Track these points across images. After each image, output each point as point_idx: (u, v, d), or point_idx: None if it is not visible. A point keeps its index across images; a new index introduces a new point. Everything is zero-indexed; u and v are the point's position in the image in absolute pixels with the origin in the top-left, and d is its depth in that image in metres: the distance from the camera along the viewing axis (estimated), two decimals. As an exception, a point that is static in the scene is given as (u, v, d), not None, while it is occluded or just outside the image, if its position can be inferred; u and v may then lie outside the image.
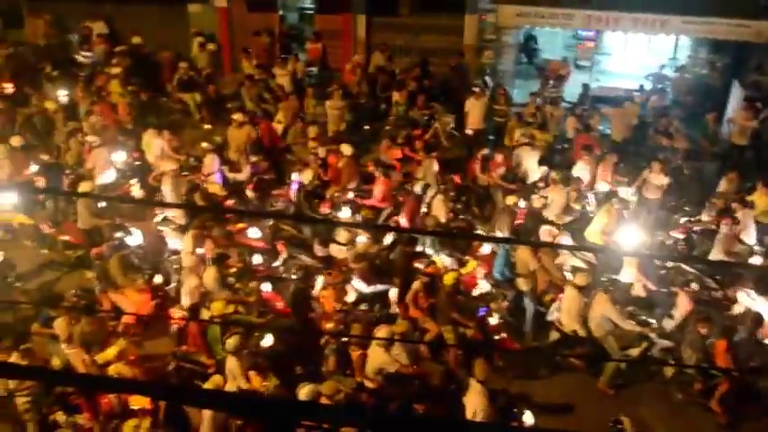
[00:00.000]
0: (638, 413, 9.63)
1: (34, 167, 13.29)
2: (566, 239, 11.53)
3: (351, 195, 12.97)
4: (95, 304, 10.86)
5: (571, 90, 17.76)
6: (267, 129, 14.68)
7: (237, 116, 14.23)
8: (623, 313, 10.18)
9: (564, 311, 10.24)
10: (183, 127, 15.75)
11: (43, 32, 19.14)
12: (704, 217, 12.59)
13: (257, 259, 11.65)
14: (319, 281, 10.94)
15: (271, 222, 12.29)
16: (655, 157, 13.77)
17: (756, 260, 11.66)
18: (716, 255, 11.41)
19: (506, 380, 9.98)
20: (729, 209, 12.01)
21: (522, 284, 10.88)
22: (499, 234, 11.75)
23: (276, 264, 11.84)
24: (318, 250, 11.98)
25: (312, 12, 20.02)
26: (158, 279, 11.20)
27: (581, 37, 20.24)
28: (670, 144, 14.72)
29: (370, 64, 17.67)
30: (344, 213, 12.32)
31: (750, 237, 11.98)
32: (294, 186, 12.75)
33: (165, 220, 12.19)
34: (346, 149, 13.47)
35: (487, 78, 17.76)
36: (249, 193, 13.15)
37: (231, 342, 9.32)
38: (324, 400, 8.71)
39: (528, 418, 9.08)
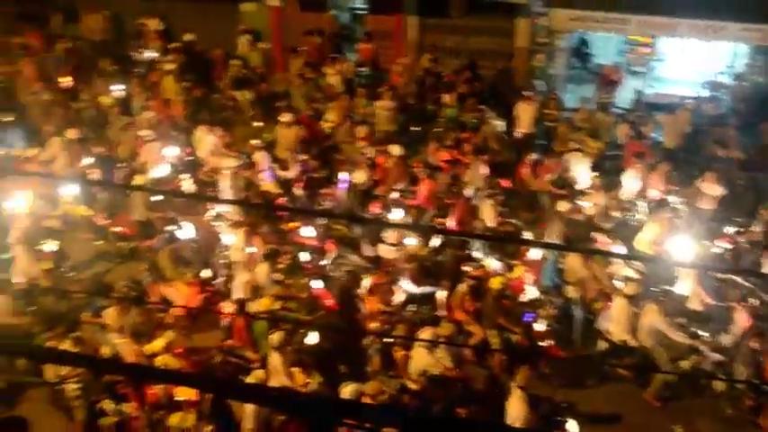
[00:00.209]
0: (686, 427, 9.43)
1: (88, 160, 13.57)
2: (619, 249, 11.34)
3: (396, 195, 12.95)
4: (145, 296, 11.05)
5: (623, 96, 17.47)
6: (313, 127, 14.77)
7: (286, 116, 14.35)
8: (674, 325, 9.98)
9: (613, 320, 10.09)
10: (235, 124, 15.92)
11: (100, 28, 19.54)
12: (755, 228, 12.29)
13: (305, 257, 11.71)
14: (366, 281, 10.95)
15: (323, 221, 12.33)
16: (708, 166, 13.48)
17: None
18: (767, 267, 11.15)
19: (551, 387, 9.86)
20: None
21: (571, 292, 10.75)
22: (550, 240, 11.61)
23: (324, 262, 11.88)
24: (366, 250, 12.00)
25: (364, 12, 20.05)
26: (207, 273, 11.34)
27: (635, 42, 19.88)
28: (725, 154, 14.39)
29: (418, 66, 17.64)
30: (396, 214, 12.30)
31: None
32: (342, 186, 12.78)
33: (218, 215, 12.32)
34: (395, 150, 13.48)
35: (538, 82, 17.58)
36: (298, 191, 13.24)
37: (275, 338, 9.39)
38: (366, 400, 8.71)
39: (572, 427, 8.96)
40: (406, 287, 10.93)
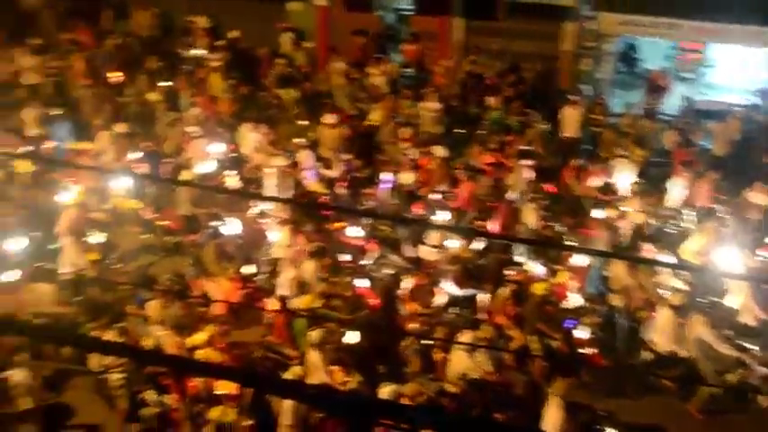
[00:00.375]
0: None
1: (135, 155, 13.78)
2: (665, 258, 11.14)
3: (437, 197, 12.90)
4: (188, 290, 11.19)
5: (671, 102, 17.17)
6: (355, 127, 14.81)
7: (329, 117, 14.40)
8: (721, 337, 9.78)
9: (658, 330, 9.92)
10: (279, 122, 16.02)
11: (149, 25, 19.84)
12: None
13: (347, 256, 11.73)
14: (406, 281, 10.93)
15: (368, 221, 12.34)
16: (757, 175, 13.19)
17: None
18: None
19: (592, 396, 9.73)
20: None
21: (616, 300, 10.60)
22: (595, 247, 11.46)
23: (366, 262, 11.89)
24: (408, 251, 11.98)
25: (409, 13, 20.02)
26: (249, 269, 11.43)
27: (684, 48, 19.53)
28: (776, 163, 14.07)
29: (461, 68, 17.57)
30: (440, 216, 12.25)
31: None
32: (384, 186, 12.78)
33: (261, 213, 12.39)
34: (438, 151, 13.45)
35: (584, 86, 17.37)
36: (340, 190, 13.28)
37: (314, 335, 9.43)
38: (404, 401, 8.69)
39: (611, 437, 8.85)
40: (448, 289, 10.89)
